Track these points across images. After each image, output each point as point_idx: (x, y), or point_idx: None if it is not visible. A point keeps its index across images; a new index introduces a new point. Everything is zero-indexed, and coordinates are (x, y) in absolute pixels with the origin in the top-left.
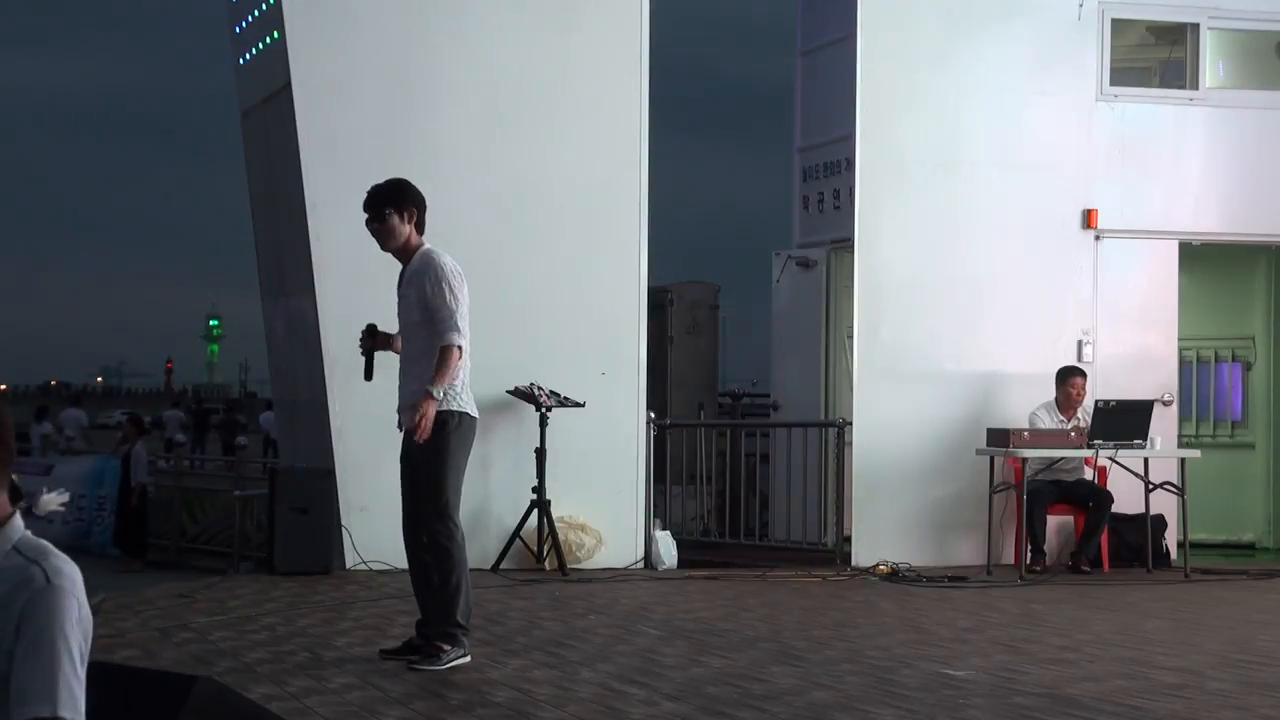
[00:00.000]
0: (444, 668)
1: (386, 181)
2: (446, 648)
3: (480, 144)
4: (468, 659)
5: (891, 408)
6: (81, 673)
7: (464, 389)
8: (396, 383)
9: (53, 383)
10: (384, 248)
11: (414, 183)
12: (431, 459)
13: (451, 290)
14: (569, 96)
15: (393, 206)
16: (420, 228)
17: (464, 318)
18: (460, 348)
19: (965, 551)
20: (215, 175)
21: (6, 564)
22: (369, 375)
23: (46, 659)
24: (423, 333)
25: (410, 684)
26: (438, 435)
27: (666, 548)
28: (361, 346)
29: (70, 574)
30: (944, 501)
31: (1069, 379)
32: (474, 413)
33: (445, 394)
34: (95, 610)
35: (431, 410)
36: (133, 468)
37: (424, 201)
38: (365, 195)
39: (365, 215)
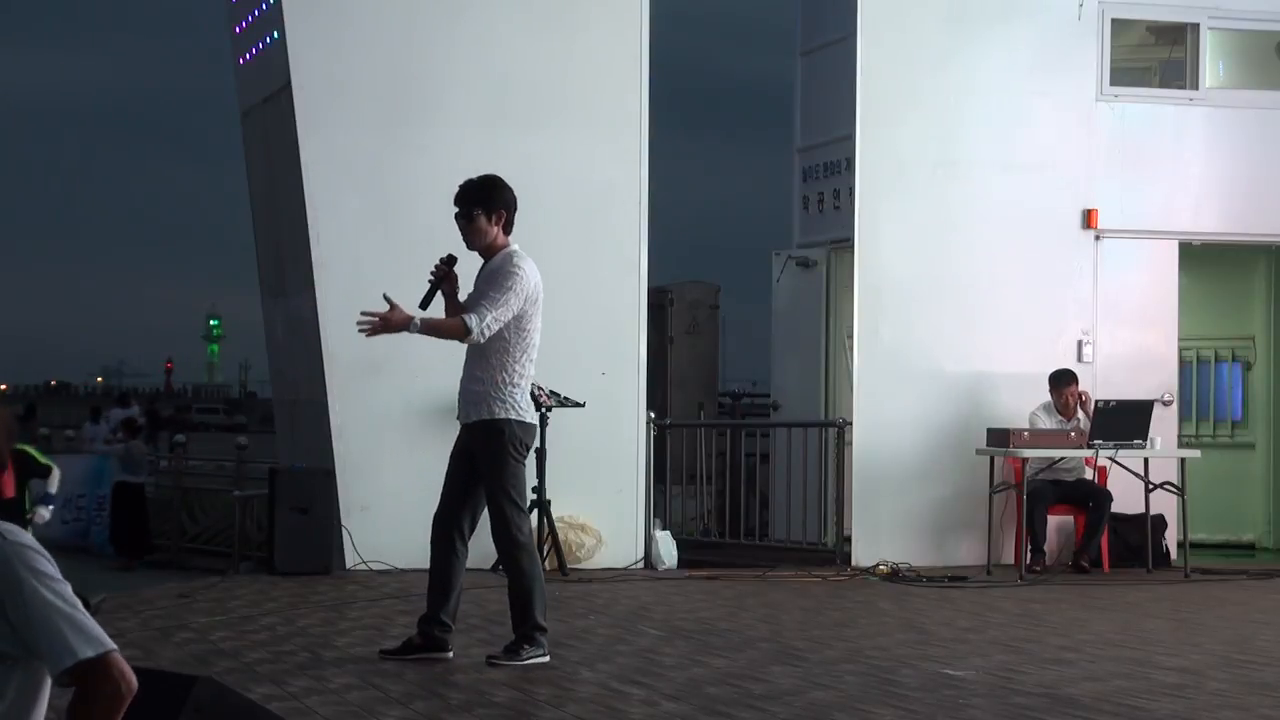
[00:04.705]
0: (523, 664)
1: (480, 179)
2: (527, 646)
3: (480, 144)
4: (546, 658)
5: (891, 408)
6: (76, 600)
7: (521, 395)
8: (399, 384)
9: (53, 383)
10: (468, 245)
11: (414, 184)
12: (493, 466)
13: (511, 290)
14: (569, 96)
15: (482, 207)
16: (508, 228)
17: (500, 319)
18: (473, 333)
19: (965, 551)
20: (215, 175)
21: None
22: (425, 304)
23: (48, 612)
24: None
25: (410, 684)
26: (496, 442)
27: (666, 548)
28: (433, 273)
29: (11, 526)
30: (944, 501)
31: (1061, 389)
32: (530, 419)
33: (504, 402)
34: (95, 610)
35: (393, 320)
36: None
37: (515, 202)
38: (458, 187)
39: (455, 209)
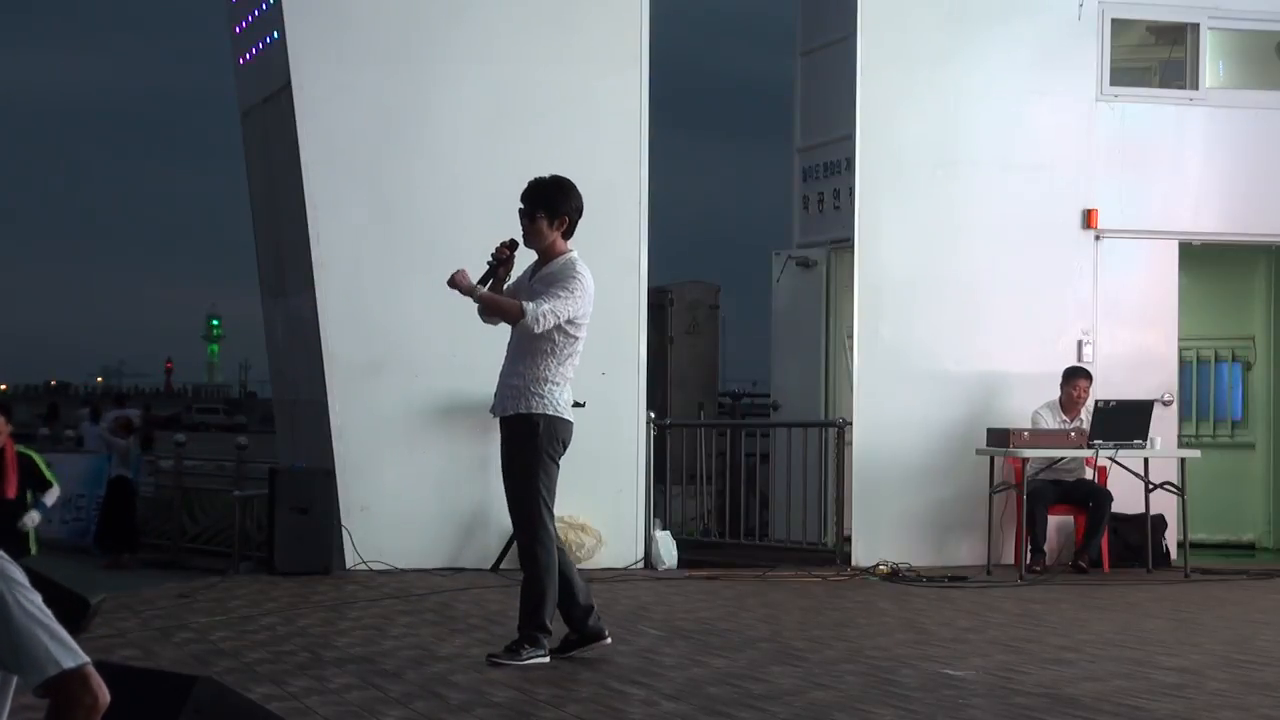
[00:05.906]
0: (523, 664)
1: (551, 180)
2: (528, 646)
3: (480, 144)
4: (546, 659)
5: (891, 408)
6: (49, 611)
7: (561, 393)
8: (399, 384)
9: (53, 383)
10: (525, 244)
11: (414, 183)
12: (525, 462)
13: (572, 294)
14: (569, 96)
15: (545, 210)
16: (569, 234)
17: (557, 316)
18: (528, 319)
19: (965, 551)
20: (215, 175)
21: None
22: (484, 281)
23: (27, 623)
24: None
25: (410, 684)
26: (529, 437)
27: (666, 548)
28: (494, 256)
29: None
30: (944, 501)
31: (1073, 380)
32: (567, 417)
33: (541, 398)
34: (95, 611)
35: (461, 281)
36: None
37: (581, 209)
38: (527, 183)
39: (520, 204)
